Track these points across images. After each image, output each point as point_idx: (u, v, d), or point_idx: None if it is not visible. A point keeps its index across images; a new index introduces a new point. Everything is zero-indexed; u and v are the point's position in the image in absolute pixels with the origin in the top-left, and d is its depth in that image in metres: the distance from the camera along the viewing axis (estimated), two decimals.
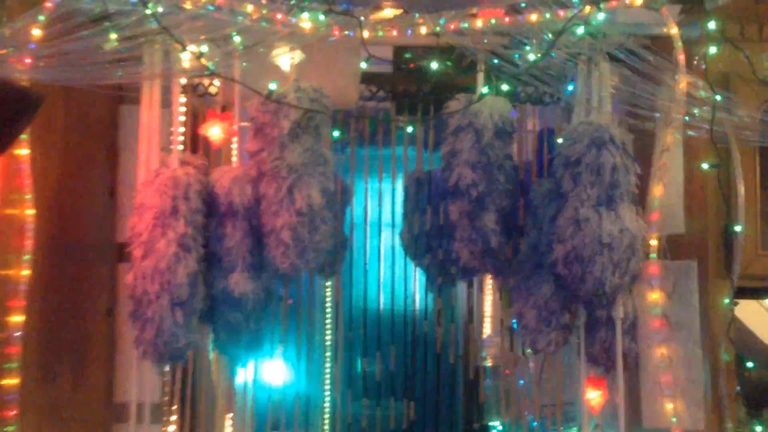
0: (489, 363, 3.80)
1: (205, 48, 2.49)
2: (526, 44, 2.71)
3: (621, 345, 2.64)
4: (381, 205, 3.43)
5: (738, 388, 2.94)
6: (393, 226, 3.44)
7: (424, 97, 3.28)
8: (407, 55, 3.25)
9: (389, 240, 3.55)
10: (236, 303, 2.57)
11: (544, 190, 2.75)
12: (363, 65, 2.65)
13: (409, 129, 2.84)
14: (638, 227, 2.54)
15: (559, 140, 2.76)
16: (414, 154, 3.34)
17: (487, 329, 3.88)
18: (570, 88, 3.18)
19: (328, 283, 3.74)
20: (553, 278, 2.63)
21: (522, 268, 2.73)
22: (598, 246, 2.49)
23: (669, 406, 2.58)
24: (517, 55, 2.66)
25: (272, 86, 2.55)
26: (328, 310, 3.85)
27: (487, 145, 2.65)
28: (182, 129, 3.20)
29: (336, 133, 2.60)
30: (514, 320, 2.92)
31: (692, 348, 2.84)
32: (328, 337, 3.81)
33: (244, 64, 2.65)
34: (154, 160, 2.66)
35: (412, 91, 3.33)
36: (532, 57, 2.61)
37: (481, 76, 2.74)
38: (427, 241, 3.06)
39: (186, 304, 2.47)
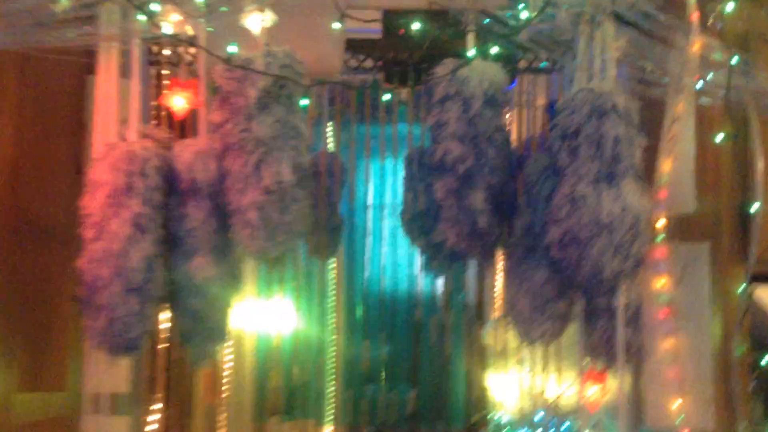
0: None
1: (157, 7, 2.24)
2: (521, 2, 2.45)
3: (623, 336, 2.39)
4: (367, 184, 3.21)
5: (753, 383, 2.67)
6: (381, 206, 3.21)
7: (416, 66, 3.02)
8: (403, 21, 3.01)
9: (387, 221, 3.38)
10: (199, 289, 2.36)
11: (540, 166, 2.49)
12: (337, 25, 2.39)
13: (386, 96, 2.57)
14: (643, 206, 2.28)
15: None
16: (417, 132, 3.11)
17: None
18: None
19: (333, 265, 3.56)
20: (548, 263, 2.38)
21: (515, 251, 2.48)
22: (596, 227, 2.23)
23: (675, 404, 2.33)
24: (509, 14, 2.39)
25: (232, 49, 2.30)
26: (333, 292, 3.72)
27: (476, 115, 2.40)
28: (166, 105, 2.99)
29: (305, 101, 2.36)
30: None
31: (702, 340, 2.58)
32: (332, 320, 3.70)
33: (209, 28, 2.41)
34: (111, 133, 2.43)
35: (402, 59, 3.08)
36: (525, 15, 2.34)
37: (470, 38, 2.47)
38: (421, 222, 2.88)
39: (141, 290, 2.25)
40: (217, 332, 2.42)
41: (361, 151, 3.36)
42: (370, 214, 3.36)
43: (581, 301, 2.44)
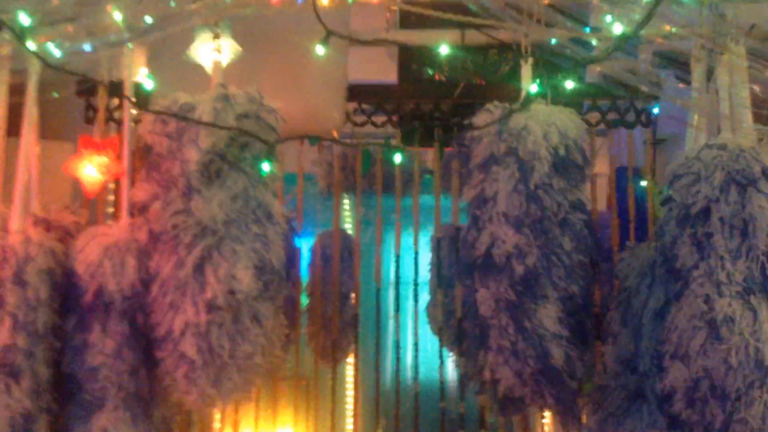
0: None
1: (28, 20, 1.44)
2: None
3: None
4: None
5: None
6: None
7: (444, 119, 2.20)
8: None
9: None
10: None
11: (640, 264, 1.60)
12: (320, 51, 1.57)
13: (397, 159, 1.70)
14: None
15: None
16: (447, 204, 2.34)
17: None
18: (656, 110, 2.12)
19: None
20: (667, 422, 1.46)
21: (607, 400, 1.56)
22: (755, 371, 1.32)
23: None
24: (588, 29, 1.55)
25: (145, 81, 1.49)
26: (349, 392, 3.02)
27: (540, 186, 1.53)
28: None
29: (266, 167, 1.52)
30: None
31: None
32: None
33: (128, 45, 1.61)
34: None
35: (425, 110, 2.25)
36: (618, 29, 1.49)
37: (527, 69, 1.62)
38: (458, 331, 2.13)
39: None
40: None
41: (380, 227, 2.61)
42: (391, 294, 2.60)
43: None
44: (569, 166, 1.56)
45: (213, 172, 1.54)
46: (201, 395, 1.49)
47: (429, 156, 2.54)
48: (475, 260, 1.59)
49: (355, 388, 2.96)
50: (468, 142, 1.63)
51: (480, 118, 1.62)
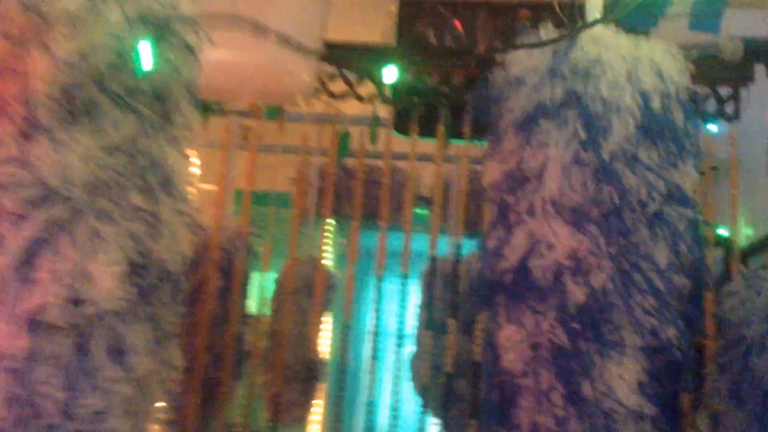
0: None
1: None
2: None
3: None
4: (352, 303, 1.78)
5: None
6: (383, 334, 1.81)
7: (456, 96, 1.61)
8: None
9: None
10: None
11: (765, 302, 0.98)
12: None
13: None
14: None
15: None
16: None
17: None
18: (713, 126, 1.60)
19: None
20: None
21: None
22: None
23: None
24: None
25: None
26: None
27: (619, 156, 0.91)
28: None
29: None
30: None
31: None
32: None
33: None
34: None
35: (429, 84, 1.64)
36: None
37: None
38: (449, 391, 1.68)
39: None
40: None
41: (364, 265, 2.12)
42: (369, 344, 2.13)
43: None
44: (666, 129, 0.94)
45: (79, 105, 0.93)
46: None
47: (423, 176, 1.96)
48: (500, 277, 0.96)
49: None
50: (499, 91, 1.02)
51: (516, 56, 1.01)
